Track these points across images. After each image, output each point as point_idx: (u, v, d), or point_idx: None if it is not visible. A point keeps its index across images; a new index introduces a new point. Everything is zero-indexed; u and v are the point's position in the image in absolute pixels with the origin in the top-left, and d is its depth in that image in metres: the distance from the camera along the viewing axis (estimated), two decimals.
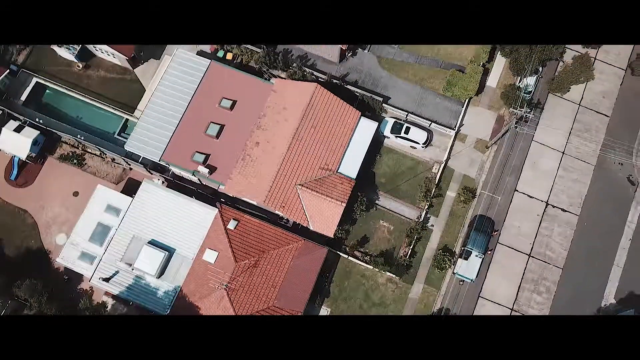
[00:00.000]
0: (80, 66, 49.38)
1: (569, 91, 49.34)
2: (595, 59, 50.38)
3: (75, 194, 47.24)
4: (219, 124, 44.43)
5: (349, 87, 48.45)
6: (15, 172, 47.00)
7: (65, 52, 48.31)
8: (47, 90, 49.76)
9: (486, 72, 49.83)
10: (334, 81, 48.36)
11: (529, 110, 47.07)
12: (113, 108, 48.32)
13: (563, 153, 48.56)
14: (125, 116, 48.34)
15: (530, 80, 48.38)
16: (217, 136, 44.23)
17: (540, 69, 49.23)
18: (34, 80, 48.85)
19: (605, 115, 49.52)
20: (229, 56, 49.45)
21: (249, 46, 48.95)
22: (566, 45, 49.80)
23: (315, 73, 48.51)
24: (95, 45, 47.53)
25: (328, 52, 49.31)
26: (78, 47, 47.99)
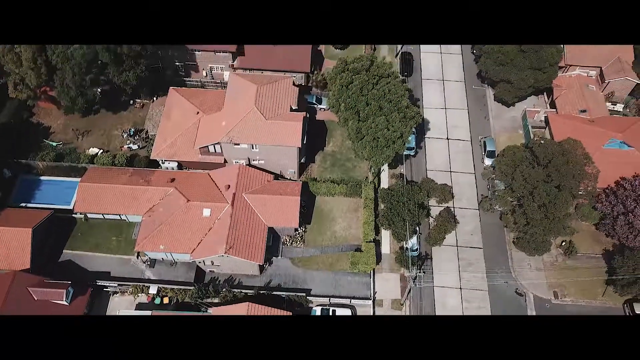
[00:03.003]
0: None
1: (445, 239, 61.31)
2: (454, 208, 63.82)
3: None
4: None
5: (275, 292, 56.62)
6: None
7: None
8: None
9: (379, 244, 60.84)
10: (261, 292, 56.41)
11: (419, 268, 57.65)
12: None
13: (460, 288, 58.75)
14: None
15: (414, 240, 59.87)
16: None
17: (418, 229, 61.28)
18: None
19: (479, 247, 61.52)
20: (166, 300, 56.18)
21: (181, 287, 56.37)
22: (429, 203, 63.11)
23: (243, 290, 56.44)
24: None
25: (249, 269, 57.98)
26: None
